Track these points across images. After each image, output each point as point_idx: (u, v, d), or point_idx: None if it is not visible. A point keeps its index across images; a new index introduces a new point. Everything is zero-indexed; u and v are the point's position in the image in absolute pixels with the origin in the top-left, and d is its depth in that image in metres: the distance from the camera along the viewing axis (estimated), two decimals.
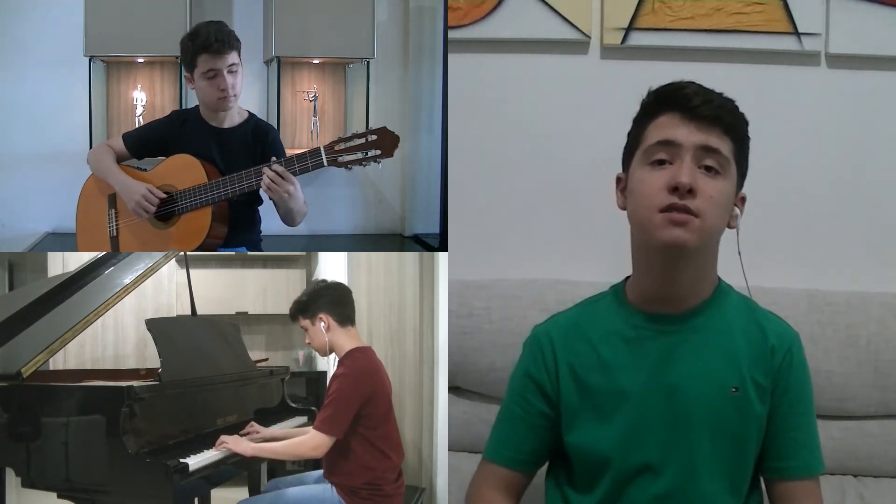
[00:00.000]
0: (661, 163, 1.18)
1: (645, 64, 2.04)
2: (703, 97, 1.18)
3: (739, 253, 1.29)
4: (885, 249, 2.04)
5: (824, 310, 1.85)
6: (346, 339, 1.93)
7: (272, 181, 1.74)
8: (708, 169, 1.17)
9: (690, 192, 1.14)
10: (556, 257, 2.05)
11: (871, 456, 1.84)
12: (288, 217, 1.87)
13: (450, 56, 2.10)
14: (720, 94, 1.21)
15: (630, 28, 2.02)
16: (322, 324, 1.92)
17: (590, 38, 2.05)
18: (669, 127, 1.18)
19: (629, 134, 1.27)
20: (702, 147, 1.16)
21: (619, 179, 1.29)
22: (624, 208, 1.26)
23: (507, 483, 1.33)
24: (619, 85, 2.03)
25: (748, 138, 1.23)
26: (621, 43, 2.03)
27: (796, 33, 2.00)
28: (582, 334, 1.29)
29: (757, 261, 1.97)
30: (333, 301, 1.95)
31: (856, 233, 2.05)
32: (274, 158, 1.78)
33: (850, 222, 2.05)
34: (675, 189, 1.14)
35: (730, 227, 1.23)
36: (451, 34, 2.08)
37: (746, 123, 1.22)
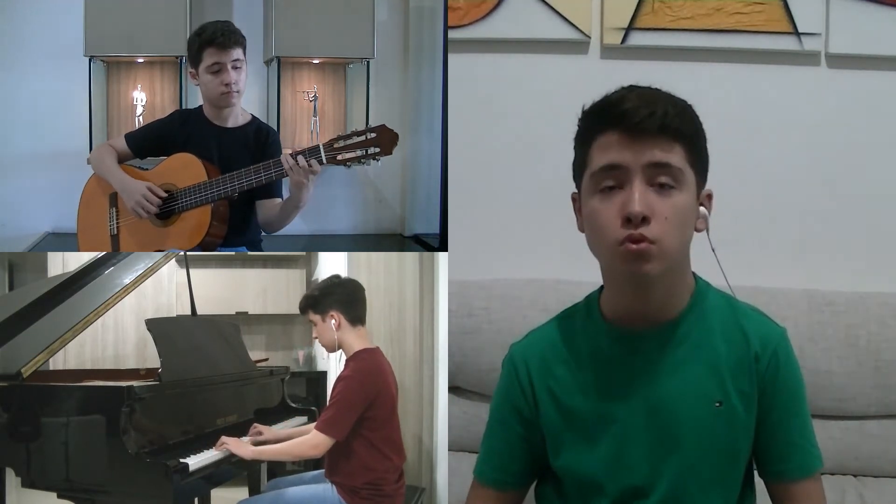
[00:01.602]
0: (610, 188, 1.11)
1: (645, 64, 2.04)
2: (644, 110, 1.08)
3: (713, 250, 1.26)
4: (885, 249, 2.04)
5: (824, 310, 1.85)
6: (354, 339, 1.93)
7: (300, 162, 1.73)
8: (661, 185, 1.09)
9: (644, 219, 1.07)
10: (556, 257, 2.05)
11: (871, 456, 1.84)
12: (283, 215, 1.87)
13: (450, 56, 2.10)
14: (661, 97, 1.11)
15: (630, 28, 2.02)
16: (333, 321, 1.92)
17: (590, 38, 2.05)
18: (613, 150, 1.10)
19: (574, 149, 1.21)
20: (650, 165, 1.09)
21: (574, 199, 1.24)
22: (583, 231, 1.20)
23: (500, 502, 1.31)
24: (618, 85, 2.03)
25: (702, 134, 1.15)
26: (621, 43, 2.03)
27: (796, 33, 2.00)
28: (558, 355, 1.25)
29: (757, 261, 1.99)
30: (346, 299, 1.94)
31: (855, 233, 2.05)
32: (302, 150, 1.78)
33: (849, 222, 2.05)
34: (628, 220, 1.07)
35: (698, 230, 1.17)
36: (451, 34, 2.08)
37: (697, 120, 1.14)
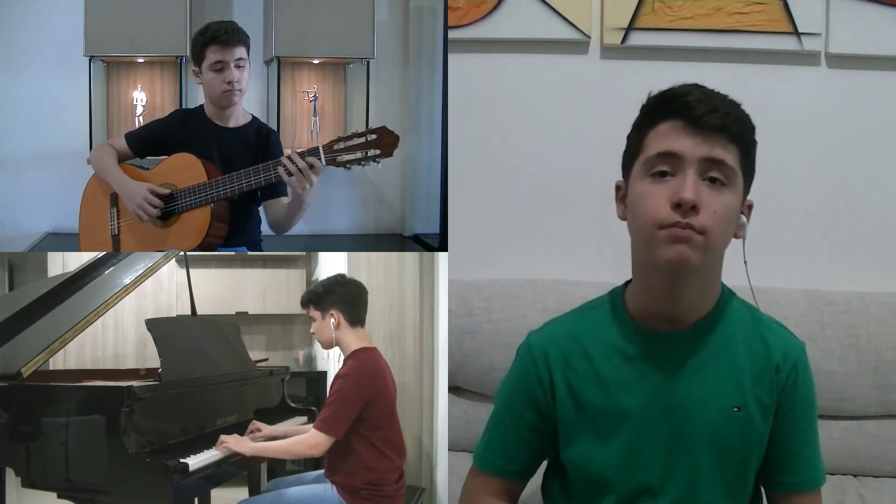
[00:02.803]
0: (662, 174, 1.12)
1: (645, 64, 2.05)
2: (707, 105, 1.11)
3: (745, 262, 1.26)
4: (885, 249, 2.04)
5: (824, 310, 1.85)
6: (353, 339, 1.93)
7: (299, 169, 1.72)
8: (713, 181, 1.11)
9: (694, 208, 1.08)
10: (556, 257, 2.05)
11: (871, 456, 1.84)
12: (288, 217, 1.87)
13: (450, 56, 2.10)
14: (725, 98, 1.14)
15: (630, 28, 2.02)
16: (332, 320, 1.92)
17: (590, 38, 2.05)
18: (671, 137, 1.12)
19: (628, 138, 1.21)
20: (706, 159, 1.10)
21: (618, 188, 1.23)
22: (624, 219, 1.21)
23: (502, 491, 1.30)
24: (619, 85, 2.04)
25: (755, 143, 1.17)
26: (621, 43, 2.03)
27: (796, 33, 2.00)
28: (579, 348, 1.24)
29: (757, 261, 1.98)
30: (348, 300, 1.94)
31: (856, 233, 2.05)
32: (302, 151, 1.77)
33: (849, 222, 2.05)
34: (678, 205, 1.08)
35: (736, 237, 1.18)
36: (451, 34, 2.08)
37: (753, 128, 1.16)
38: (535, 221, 2.10)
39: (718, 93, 1.15)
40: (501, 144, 2.10)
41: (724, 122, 1.10)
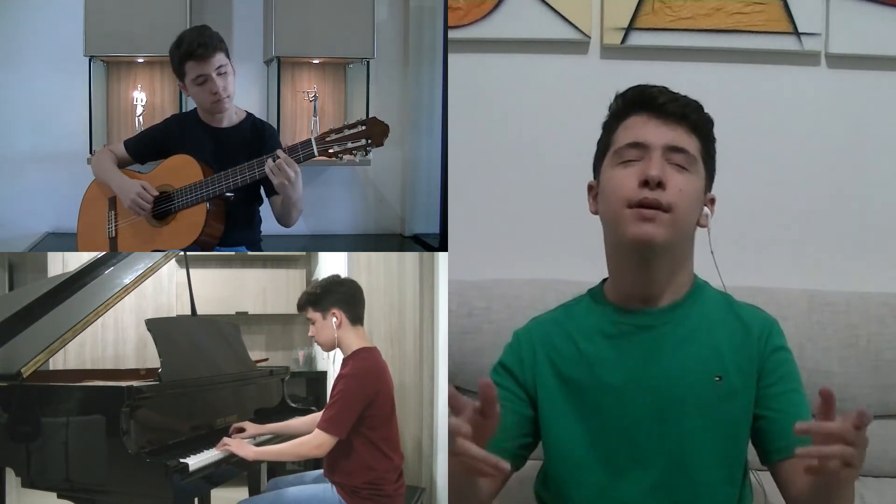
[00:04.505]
0: (630, 162, 1.22)
1: (645, 64, 2.05)
2: (668, 96, 1.23)
3: (712, 252, 1.33)
4: (885, 249, 2.04)
5: (824, 310, 1.85)
6: (354, 338, 1.93)
7: (276, 166, 1.74)
8: (676, 166, 1.21)
9: (660, 185, 1.17)
10: (556, 257, 2.05)
11: (871, 456, 1.82)
12: (285, 212, 1.87)
13: (450, 56, 2.10)
14: (685, 96, 1.25)
15: (630, 28, 2.02)
16: (334, 320, 1.92)
17: (590, 38, 2.05)
18: (638, 127, 1.23)
19: (599, 141, 1.31)
20: (670, 147, 1.20)
21: (590, 187, 1.33)
22: (596, 213, 1.30)
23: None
24: (619, 85, 2.01)
25: (714, 139, 1.27)
26: (621, 43, 2.03)
27: (796, 33, 2.00)
28: (562, 331, 1.31)
29: (757, 261, 1.99)
30: (348, 299, 1.95)
31: (856, 233, 2.05)
32: (295, 144, 1.79)
33: (849, 222, 2.05)
34: (645, 183, 1.18)
35: (700, 225, 1.27)
36: (451, 34, 2.08)
37: (712, 124, 1.26)
38: (535, 221, 2.10)
39: (679, 92, 1.26)
40: (501, 144, 2.10)
41: (685, 112, 1.22)
